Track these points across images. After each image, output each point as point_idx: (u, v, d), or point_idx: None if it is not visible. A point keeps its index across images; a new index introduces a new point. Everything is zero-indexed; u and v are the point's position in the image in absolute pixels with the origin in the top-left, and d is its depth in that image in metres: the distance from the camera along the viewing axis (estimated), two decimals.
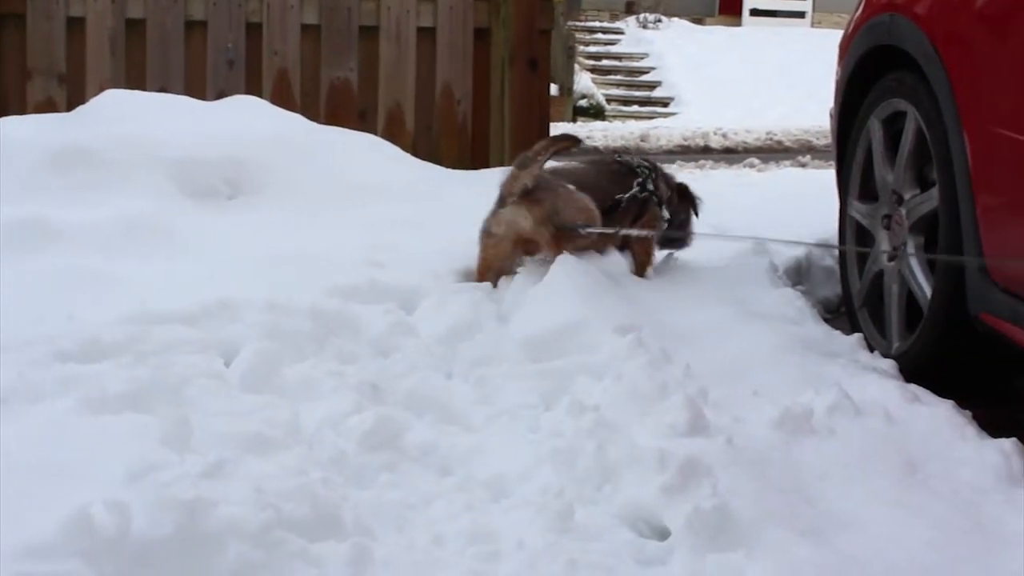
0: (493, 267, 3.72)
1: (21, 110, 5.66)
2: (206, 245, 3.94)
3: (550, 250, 3.63)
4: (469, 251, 3.85)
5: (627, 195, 3.94)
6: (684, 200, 4.25)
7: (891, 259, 3.63)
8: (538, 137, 5.02)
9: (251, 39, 6.03)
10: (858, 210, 3.90)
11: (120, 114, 4.68)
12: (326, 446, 2.60)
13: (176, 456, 2.41)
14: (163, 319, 3.18)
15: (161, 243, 3.91)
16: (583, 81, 16.94)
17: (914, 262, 3.49)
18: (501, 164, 5.89)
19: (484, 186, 3.94)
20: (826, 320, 3.91)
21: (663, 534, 2.33)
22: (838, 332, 3.66)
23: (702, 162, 9.61)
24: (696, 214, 4.27)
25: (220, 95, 5.64)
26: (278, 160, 4.62)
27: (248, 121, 4.85)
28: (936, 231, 3.37)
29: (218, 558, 2.08)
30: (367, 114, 6.13)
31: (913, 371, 3.32)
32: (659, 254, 4.19)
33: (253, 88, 5.88)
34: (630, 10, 21.48)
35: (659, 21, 20.85)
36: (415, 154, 5.45)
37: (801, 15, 22.49)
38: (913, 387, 3.14)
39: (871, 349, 3.56)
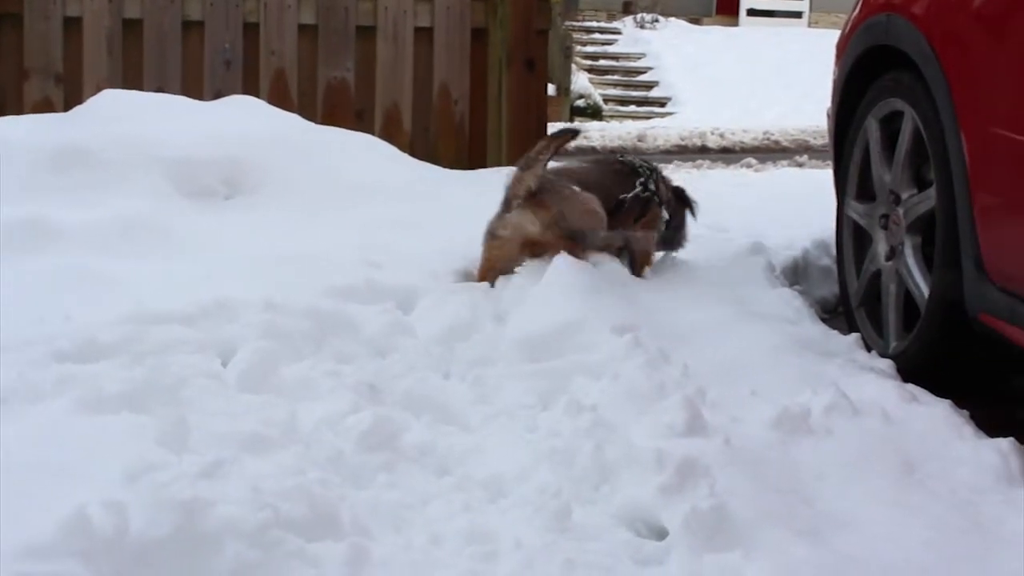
0: (496, 268, 3.72)
1: (18, 110, 5.67)
2: (203, 245, 3.94)
3: (557, 253, 3.63)
4: (467, 251, 3.85)
5: (631, 195, 3.95)
6: (680, 202, 4.26)
7: (888, 259, 3.63)
8: (536, 137, 5.02)
9: (248, 39, 6.04)
10: (856, 210, 3.90)
11: (117, 114, 4.68)
12: (324, 446, 2.60)
13: (174, 456, 2.41)
14: (160, 319, 3.18)
15: (158, 243, 3.91)
16: (580, 81, 16.95)
17: (912, 262, 3.49)
18: (498, 164, 5.90)
19: (481, 186, 3.95)
20: (823, 320, 3.90)
21: (661, 534, 2.33)
22: (835, 332, 3.66)
23: (699, 162, 9.61)
24: (694, 216, 4.28)
25: (217, 95, 5.64)
26: (275, 160, 4.62)
27: (245, 121, 4.85)
28: (934, 231, 3.37)
29: (216, 558, 2.08)
30: (364, 114, 6.14)
31: (911, 371, 3.32)
32: (656, 254, 4.19)
33: (250, 88, 5.89)
34: (627, 10, 21.49)
35: (656, 21, 20.86)
36: (412, 154, 5.46)
37: (798, 15, 22.49)
38: (911, 387, 3.14)
39: (869, 349, 3.56)
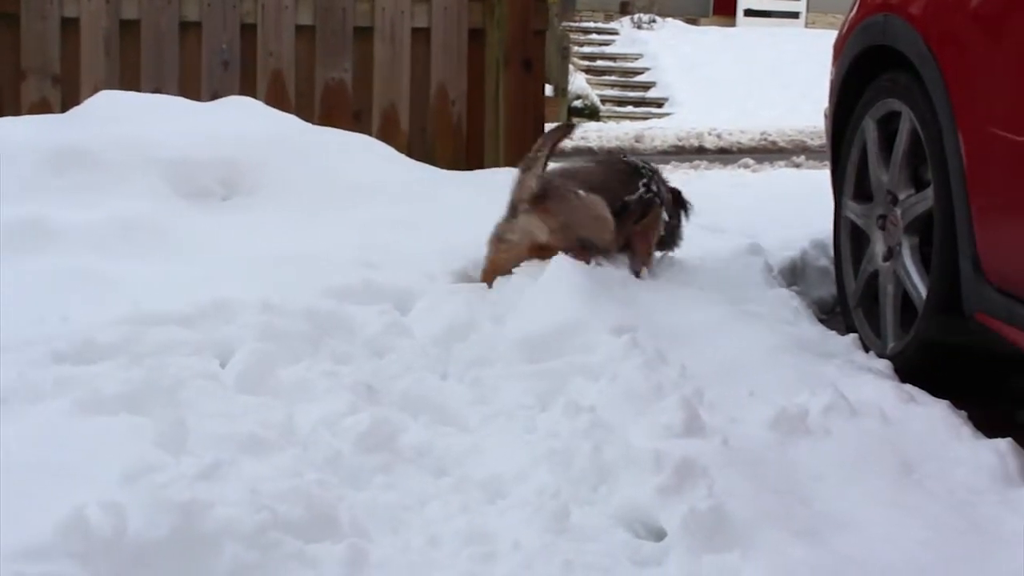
0: (500, 271, 3.72)
1: (15, 111, 5.65)
2: (201, 246, 3.94)
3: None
4: (465, 251, 3.85)
5: (635, 196, 3.95)
6: (676, 204, 4.27)
7: (886, 259, 3.63)
8: (533, 138, 5.02)
9: (246, 40, 6.03)
10: (853, 210, 3.90)
11: (115, 115, 4.67)
12: (321, 447, 2.59)
13: (172, 458, 2.40)
14: (158, 320, 3.18)
15: (156, 244, 3.91)
16: (578, 82, 16.95)
17: (909, 262, 3.49)
18: (495, 165, 5.90)
19: (478, 186, 3.94)
20: (821, 321, 3.91)
21: (659, 535, 2.33)
22: (833, 332, 3.66)
23: (697, 162, 9.63)
24: (687, 217, 4.30)
25: (215, 96, 5.63)
26: (273, 161, 4.61)
27: (243, 122, 4.84)
28: (931, 231, 3.37)
29: (214, 559, 2.08)
30: (362, 115, 6.13)
31: (908, 371, 3.32)
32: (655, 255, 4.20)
33: (248, 89, 5.88)
34: (624, 10, 21.50)
35: (653, 21, 20.87)
36: (410, 155, 5.45)
37: (795, 15, 22.51)
38: (908, 387, 3.14)
39: (866, 349, 3.57)
